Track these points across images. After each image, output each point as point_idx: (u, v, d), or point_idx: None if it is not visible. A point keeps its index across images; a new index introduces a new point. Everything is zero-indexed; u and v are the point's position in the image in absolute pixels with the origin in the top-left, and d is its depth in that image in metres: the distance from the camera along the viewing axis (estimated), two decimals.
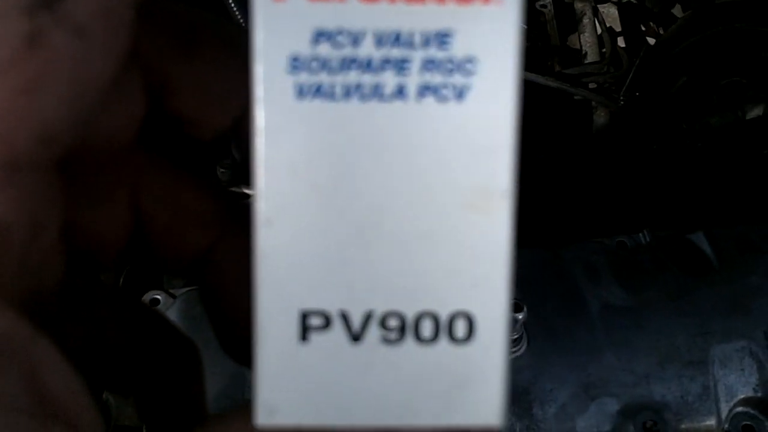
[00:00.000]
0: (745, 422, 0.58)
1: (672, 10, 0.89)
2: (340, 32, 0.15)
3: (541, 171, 0.79)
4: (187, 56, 0.20)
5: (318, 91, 0.15)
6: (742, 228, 0.68)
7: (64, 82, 0.16)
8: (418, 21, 0.15)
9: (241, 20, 0.61)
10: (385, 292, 0.16)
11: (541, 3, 0.86)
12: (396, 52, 0.15)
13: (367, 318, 0.16)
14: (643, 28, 0.91)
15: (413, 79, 0.15)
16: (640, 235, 0.68)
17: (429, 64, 0.15)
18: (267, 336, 0.16)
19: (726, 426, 0.58)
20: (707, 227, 0.67)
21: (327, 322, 0.16)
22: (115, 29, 0.16)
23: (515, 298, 0.58)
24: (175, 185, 0.22)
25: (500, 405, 0.16)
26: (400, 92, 0.16)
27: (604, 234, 0.69)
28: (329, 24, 0.15)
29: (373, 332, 0.16)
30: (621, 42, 0.89)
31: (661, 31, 0.89)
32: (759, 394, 0.59)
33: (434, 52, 0.15)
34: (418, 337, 0.16)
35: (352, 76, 0.15)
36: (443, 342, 0.16)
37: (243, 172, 0.66)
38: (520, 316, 0.57)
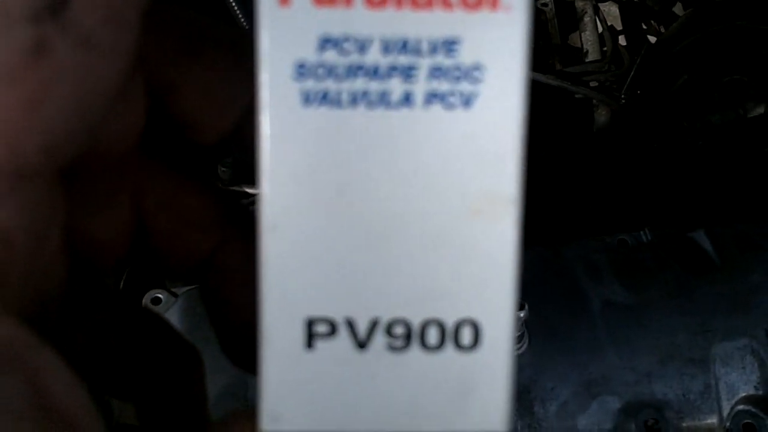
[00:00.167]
0: (746, 420, 0.58)
1: (673, 9, 0.89)
2: (346, 39, 0.15)
3: (542, 169, 0.79)
4: (190, 60, 0.20)
5: (324, 98, 0.15)
6: (743, 226, 0.68)
7: (70, 92, 0.16)
8: (425, 28, 0.15)
9: (245, 24, 0.61)
10: (391, 300, 0.16)
11: (542, 2, 0.86)
12: (403, 59, 0.15)
13: (373, 325, 0.16)
14: (644, 27, 0.91)
15: (420, 87, 0.15)
16: (641, 233, 0.68)
17: (436, 72, 0.15)
18: (272, 343, 0.16)
19: (727, 424, 0.59)
20: (708, 225, 0.67)
21: (333, 330, 0.16)
22: (121, 37, 0.16)
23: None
24: (177, 190, 0.22)
25: (506, 411, 0.16)
26: (407, 99, 0.15)
27: (606, 232, 0.69)
28: (335, 30, 0.15)
29: (379, 339, 0.16)
30: (622, 40, 0.89)
31: (662, 30, 0.89)
32: (760, 392, 0.59)
33: (441, 60, 0.15)
34: (423, 344, 0.16)
35: (359, 83, 0.15)
36: (449, 349, 0.16)
37: (244, 170, 0.66)
38: (522, 315, 0.57)
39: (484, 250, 0.16)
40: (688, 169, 0.79)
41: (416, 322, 0.16)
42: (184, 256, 0.22)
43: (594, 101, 0.82)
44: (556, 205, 0.78)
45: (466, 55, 0.15)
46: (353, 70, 0.15)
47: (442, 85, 0.15)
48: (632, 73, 0.79)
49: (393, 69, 0.15)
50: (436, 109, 0.16)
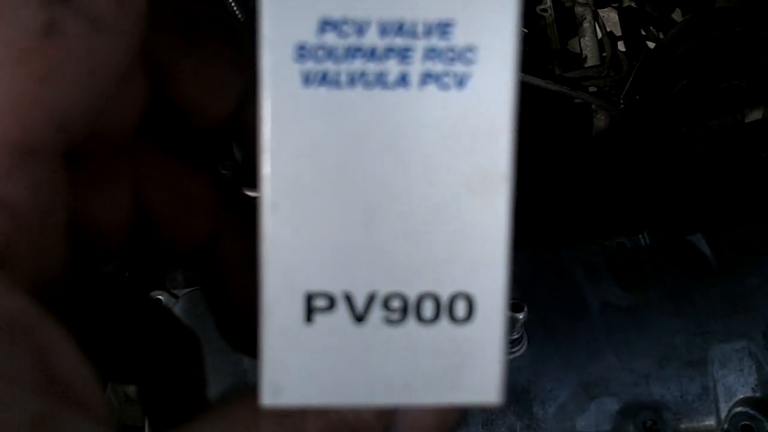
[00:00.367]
0: (744, 422, 0.59)
1: (672, 15, 0.89)
2: (345, 21, 0.16)
3: (542, 173, 0.79)
4: (188, 46, 0.20)
5: (324, 79, 0.16)
6: (742, 230, 0.68)
7: (79, 71, 0.16)
8: (420, 11, 0.16)
9: (238, 14, 0.61)
10: (388, 274, 0.16)
11: (542, 7, 0.87)
12: (399, 41, 0.16)
13: (371, 299, 0.16)
14: (643, 33, 0.91)
15: (416, 68, 0.16)
16: (640, 236, 0.68)
17: (431, 53, 0.16)
18: (272, 317, 0.16)
19: (725, 426, 0.59)
20: (707, 229, 0.68)
21: (331, 304, 0.16)
22: (129, 19, 0.17)
23: (516, 299, 0.58)
24: (177, 175, 0.22)
25: (499, 383, 0.17)
26: (403, 80, 0.16)
27: (605, 235, 0.69)
28: (335, 13, 0.16)
29: (376, 313, 0.16)
30: (621, 46, 0.89)
31: (661, 36, 0.89)
32: (758, 395, 0.60)
33: (436, 42, 0.16)
34: (419, 317, 0.17)
35: (357, 65, 0.16)
36: (444, 322, 0.17)
37: (245, 172, 0.66)
38: (521, 316, 0.58)
39: (477, 226, 0.16)
40: (687, 173, 0.79)
41: (412, 295, 0.17)
42: (184, 240, 0.22)
43: (593, 106, 0.82)
44: (556, 209, 0.78)
45: (459, 37, 0.16)
46: (352, 52, 0.16)
47: (437, 66, 0.16)
48: (631, 79, 0.80)
49: (390, 51, 0.16)
50: (431, 89, 0.16)
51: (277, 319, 0.16)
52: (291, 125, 0.16)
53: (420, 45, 0.16)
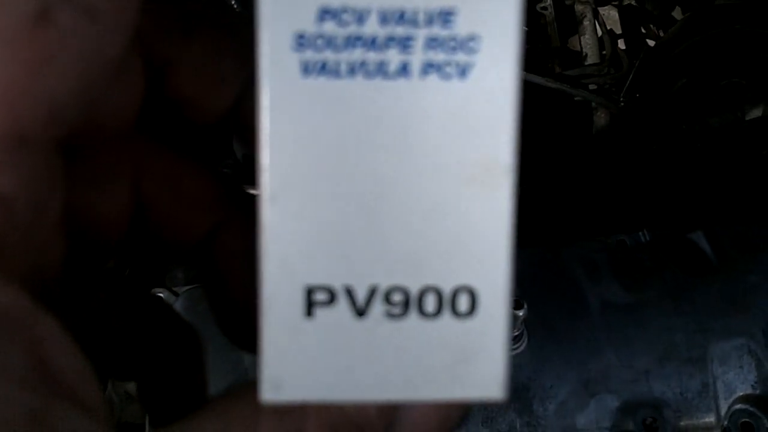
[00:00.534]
0: (743, 419, 0.59)
1: (672, 13, 0.89)
2: (345, 10, 0.15)
3: (542, 171, 0.79)
4: (186, 38, 0.20)
5: (323, 69, 0.16)
6: (742, 227, 0.68)
7: (72, 60, 0.16)
8: None
9: (235, 4, 0.61)
10: (390, 267, 0.16)
11: (542, 5, 0.87)
12: (400, 30, 0.16)
13: (372, 293, 0.16)
14: (643, 31, 0.91)
15: (417, 57, 0.16)
16: (640, 234, 0.68)
17: (432, 42, 0.16)
18: (272, 311, 0.16)
19: (725, 423, 0.59)
20: (707, 227, 0.67)
21: (332, 297, 0.16)
22: (123, 8, 0.16)
23: (516, 296, 0.58)
24: (176, 170, 0.22)
25: (503, 378, 0.17)
26: (404, 70, 0.16)
27: (605, 233, 0.69)
28: (334, 1, 0.15)
29: (378, 307, 0.16)
30: (621, 44, 0.89)
31: (661, 33, 0.89)
32: (757, 392, 0.60)
33: (438, 31, 0.16)
34: (421, 311, 0.16)
35: (357, 54, 0.16)
36: (446, 316, 0.16)
37: (245, 171, 0.66)
38: (521, 314, 0.58)
39: (480, 218, 0.16)
40: (687, 171, 0.79)
41: (414, 289, 0.16)
42: (183, 235, 0.22)
43: (593, 104, 0.82)
44: (556, 207, 0.78)
45: (461, 26, 0.16)
46: (352, 41, 0.16)
47: (439, 56, 0.16)
48: (631, 76, 0.80)
49: (390, 40, 0.16)
50: (433, 79, 0.16)
51: (276, 313, 0.16)
52: (290, 115, 0.16)
53: (421, 34, 0.16)
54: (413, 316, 0.16)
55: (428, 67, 0.16)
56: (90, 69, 0.16)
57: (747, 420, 0.58)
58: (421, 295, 0.16)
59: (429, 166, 0.16)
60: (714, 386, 0.60)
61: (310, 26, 0.15)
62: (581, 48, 0.86)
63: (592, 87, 0.81)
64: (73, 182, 0.19)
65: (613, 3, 0.92)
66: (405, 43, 0.16)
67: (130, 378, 0.24)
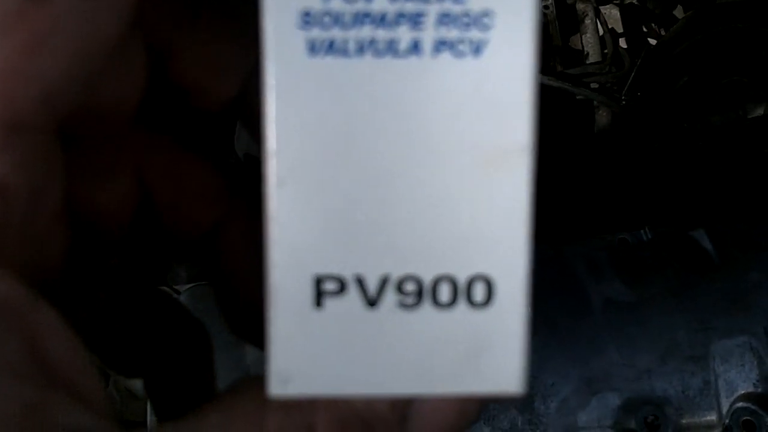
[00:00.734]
0: (745, 417, 0.58)
1: (673, 12, 0.89)
2: None
3: (544, 170, 0.79)
4: (190, 24, 0.19)
5: (330, 48, 0.15)
6: (744, 225, 0.68)
7: (68, 41, 0.15)
8: None
9: None
10: (402, 256, 0.15)
11: (543, 4, 0.87)
12: (411, 7, 0.15)
13: (383, 282, 0.16)
14: (645, 29, 0.91)
15: (429, 34, 0.15)
16: (642, 232, 0.68)
17: (444, 19, 0.15)
18: (280, 302, 0.15)
19: (726, 421, 0.59)
20: (709, 224, 0.67)
21: (342, 287, 0.16)
22: None
23: None
24: (180, 162, 0.22)
25: (521, 371, 0.16)
26: (415, 48, 0.15)
27: (607, 231, 0.69)
28: None
29: (390, 297, 0.16)
30: (623, 43, 0.89)
31: (663, 32, 0.89)
32: (759, 390, 0.59)
33: (450, 6, 0.15)
34: (435, 301, 0.16)
35: (366, 32, 0.15)
36: (461, 306, 0.16)
37: (248, 167, 0.66)
38: None
39: (496, 203, 0.15)
40: (689, 169, 0.79)
41: (428, 278, 0.16)
42: (188, 227, 0.22)
43: (595, 103, 0.82)
44: (558, 205, 0.78)
45: (474, 2, 0.15)
46: (360, 18, 0.15)
47: (451, 33, 0.15)
48: (633, 75, 0.80)
49: (401, 16, 0.15)
50: (445, 57, 0.15)
51: (284, 304, 0.15)
52: (297, 97, 0.15)
53: (433, 10, 0.15)
54: (427, 306, 0.16)
55: (440, 45, 0.15)
56: (87, 49, 0.16)
57: (748, 418, 0.58)
58: (435, 284, 0.16)
59: (443, 149, 0.15)
60: (716, 384, 0.59)
61: (316, 3, 0.15)
62: (583, 47, 0.86)
63: (593, 86, 0.81)
64: (74, 173, 0.18)
65: (615, 2, 0.92)
66: (416, 20, 0.15)
67: (135, 375, 0.24)
